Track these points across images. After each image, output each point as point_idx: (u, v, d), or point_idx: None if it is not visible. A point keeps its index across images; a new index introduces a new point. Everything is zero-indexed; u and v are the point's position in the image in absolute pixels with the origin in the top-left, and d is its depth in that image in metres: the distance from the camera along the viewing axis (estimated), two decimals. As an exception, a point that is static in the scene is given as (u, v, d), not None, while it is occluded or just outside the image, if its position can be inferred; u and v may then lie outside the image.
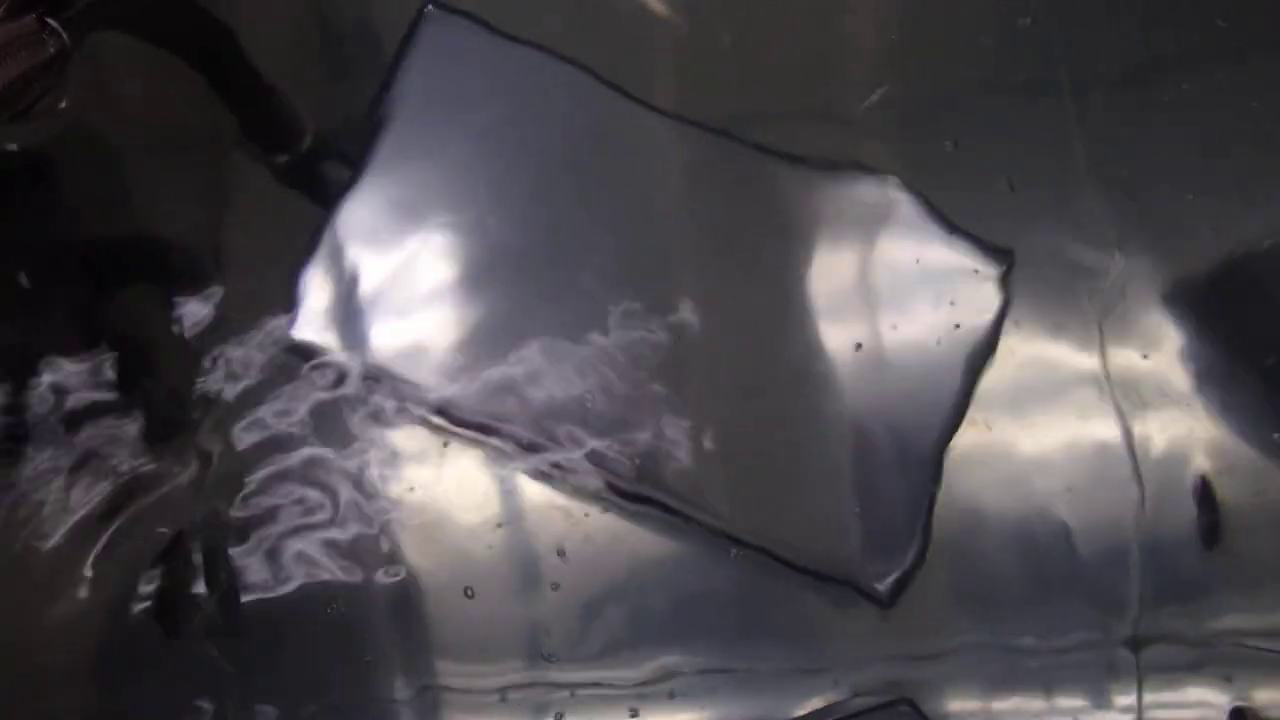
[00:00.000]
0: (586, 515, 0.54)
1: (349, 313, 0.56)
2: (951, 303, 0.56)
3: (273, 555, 0.54)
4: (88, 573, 0.53)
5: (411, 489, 0.55)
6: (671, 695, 0.53)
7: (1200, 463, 0.55)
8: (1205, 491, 0.54)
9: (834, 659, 0.53)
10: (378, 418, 0.55)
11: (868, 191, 0.57)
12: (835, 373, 0.55)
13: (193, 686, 0.53)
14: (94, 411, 0.55)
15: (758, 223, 0.57)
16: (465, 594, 0.54)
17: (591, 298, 0.55)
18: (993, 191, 0.57)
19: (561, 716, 0.53)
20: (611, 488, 0.54)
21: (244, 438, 0.55)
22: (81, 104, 0.57)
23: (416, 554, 0.54)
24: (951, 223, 0.56)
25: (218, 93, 0.53)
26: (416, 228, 0.56)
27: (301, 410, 0.55)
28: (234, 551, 0.54)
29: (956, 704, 0.53)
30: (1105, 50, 0.59)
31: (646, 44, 0.59)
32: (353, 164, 0.57)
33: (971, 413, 0.55)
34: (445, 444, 0.55)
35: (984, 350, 0.55)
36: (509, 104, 0.58)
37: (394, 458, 0.55)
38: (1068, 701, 0.53)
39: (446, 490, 0.55)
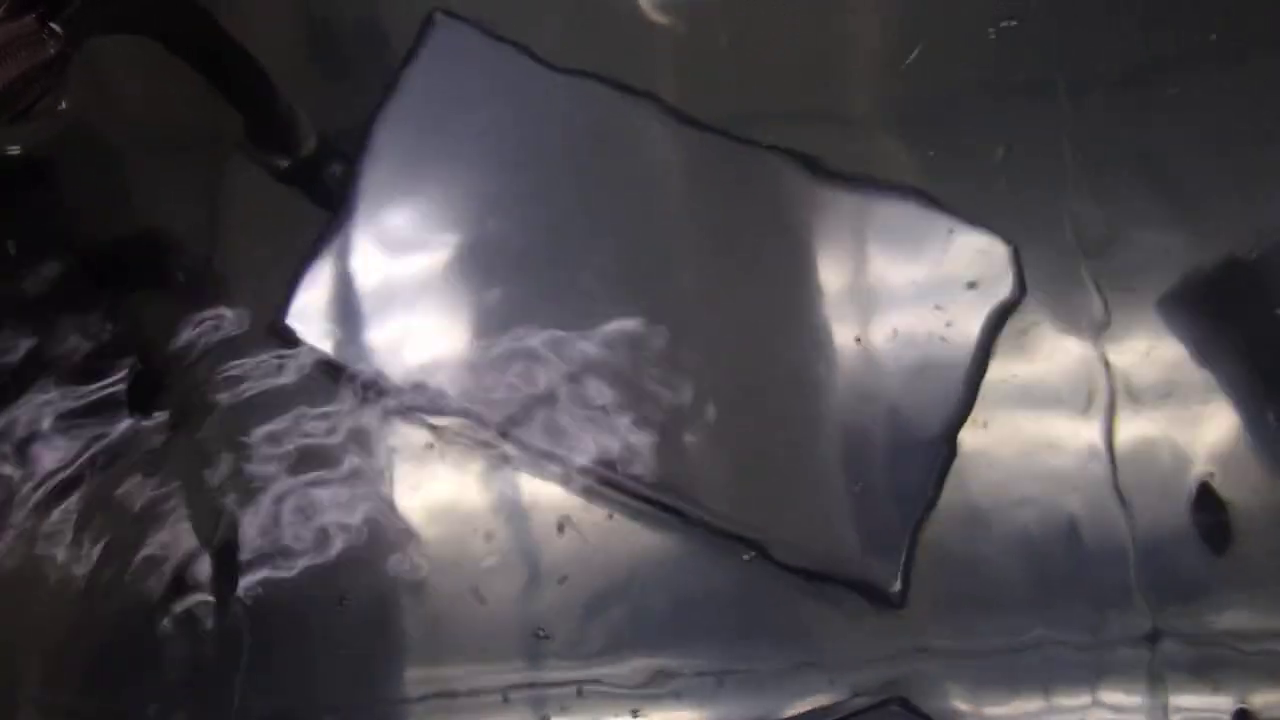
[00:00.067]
0: (587, 515, 0.54)
1: (349, 312, 0.56)
2: (951, 302, 0.56)
3: (274, 555, 0.54)
4: (88, 574, 0.53)
5: (411, 488, 0.55)
6: (671, 695, 0.53)
7: (1200, 462, 0.55)
8: (1205, 491, 0.54)
9: (833, 659, 0.53)
10: (378, 417, 0.55)
11: (867, 191, 0.57)
12: (835, 372, 0.55)
13: (192, 688, 0.53)
14: (94, 411, 0.55)
15: (758, 223, 0.57)
16: (465, 594, 0.54)
17: (592, 297, 0.55)
18: (992, 191, 0.57)
19: (562, 716, 0.53)
20: (612, 487, 0.54)
21: (244, 438, 0.55)
22: (81, 104, 0.57)
23: (417, 554, 0.54)
24: (951, 222, 0.56)
25: (218, 93, 0.53)
26: (416, 228, 0.57)
27: (302, 410, 0.55)
28: (235, 552, 0.54)
29: (956, 704, 0.53)
30: (1105, 50, 0.59)
31: (646, 44, 0.59)
32: (353, 164, 0.57)
33: (972, 412, 0.55)
34: (445, 444, 0.55)
35: (983, 350, 0.55)
36: (510, 105, 0.58)
37: (394, 458, 0.55)
38: (1067, 701, 0.53)
39: (446, 490, 0.55)
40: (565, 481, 0.54)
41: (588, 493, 0.54)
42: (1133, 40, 0.59)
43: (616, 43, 0.59)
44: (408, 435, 0.55)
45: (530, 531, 0.54)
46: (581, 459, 0.54)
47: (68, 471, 0.54)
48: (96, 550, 0.54)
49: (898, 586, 0.53)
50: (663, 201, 0.57)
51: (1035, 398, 0.55)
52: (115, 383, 0.55)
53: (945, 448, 0.54)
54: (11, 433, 0.54)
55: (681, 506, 0.54)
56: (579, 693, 0.53)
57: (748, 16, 0.59)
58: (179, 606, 0.53)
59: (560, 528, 0.54)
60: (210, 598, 0.54)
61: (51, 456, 0.54)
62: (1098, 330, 0.56)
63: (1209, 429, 0.55)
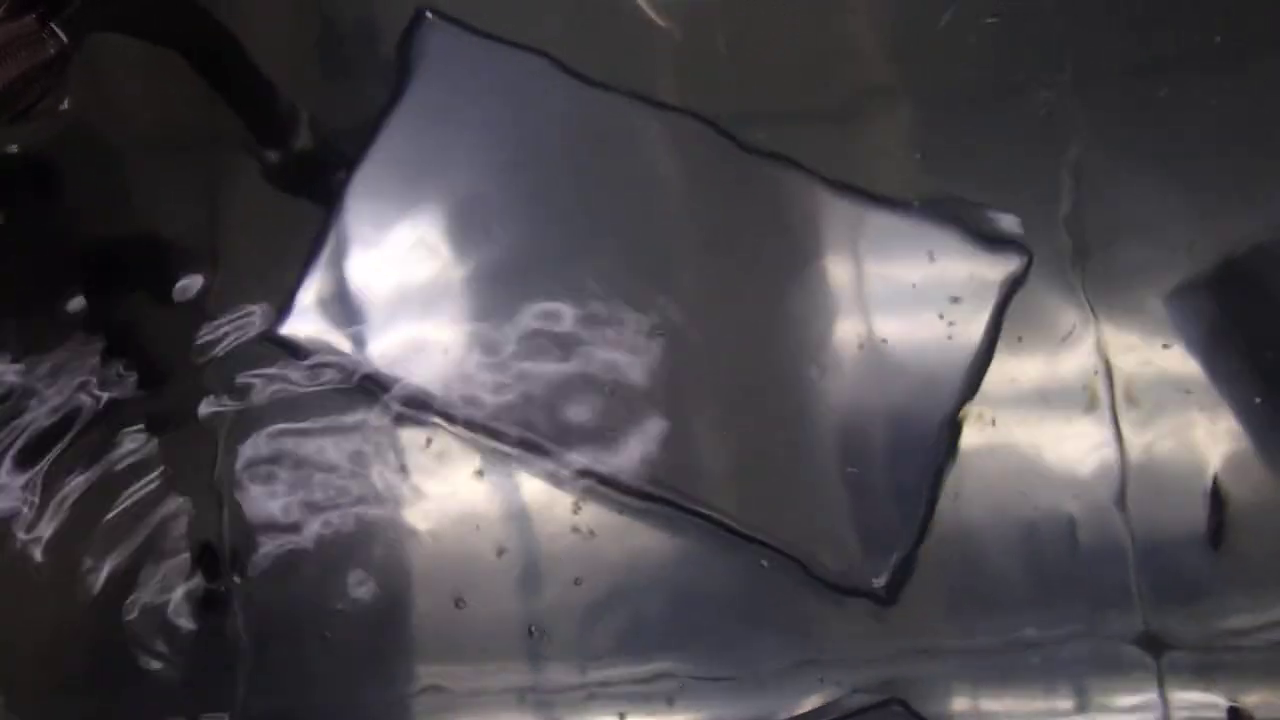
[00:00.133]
0: (588, 515, 0.54)
1: (348, 312, 0.56)
2: (951, 302, 0.56)
3: (274, 555, 0.54)
4: (87, 576, 0.53)
5: (411, 489, 0.55)
6: (671, 694, 0.53)
7: (1200, 461, 0.55)
8: (1204, 490, 0.54)
9: (833, 659, 0.53)
10: (378, 418, 0.55)
11: (867, 192, 0.57)
12: (835, 372, 0.55)
13: (192, 688, 0.53)
14: (94, 410, 0.55)
15: (758, 223, 0.57)
16: (465, 594, 0.54)
17: (592, 298, 0.55)
18: (992, 191, 0.57)
19: (562, 716, 0.53)
20: (613, 487, 0.54)
21: (244, 438, 0.55)
22: (81, 104, 0.57)
23: (417, 554, 0.54)
24: (951, 222, 0.56)
25: (218, 93, 0.53)
26: (416, 229, 0.57)
27: (302, 410, 0.55)
28: (240, 554, 0.54)
29: (956, 703, 0.53)
30: (1105, 50, 0.59)
31: (646, 45, 0.59)
32: (352, 164, 0.57)
33: (970, 412, 0.55)
34: (446, 443, 0.55)
35: (984, 349, 0.55)
36: (509, 105, 0.58)
37: (394, 458, 0.55)
38: (1067, 701, 0.53)
39: (447, 490, 0.55)
40: (566, 481, 0.54)
41: (588, 493, 0.54)
42: (1133, 40, 0.59)
43: (617, 43, 0.59)
44: (408, 435, 0.55)
45: (531, 531, 0.54)
46: (582, 459, 0.54)
47: (65, 473, 0.54)
48: (96, 550, 0.54)
49: (884, 582, 0.53)
50: (663, 201, 0.57)
51: (1036, 398, 0.55)
52: (115, 382, 0.55)
53: (944, 448, 0.54)
54: (10, 431, 0.54)
55: (682, 505, 0.54)
56: (579, 692, 0.53)
57: (747, 17, 0.59)
58: (179, 606, 0.53)
59: (560, 528, 0.54)
60: (210, 598, 0.54)
61: (50, 456, 0.54)
62: (1098, 331, 0.56)
63: (1209, 429, 0.55)
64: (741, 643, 0.54)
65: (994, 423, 0.55)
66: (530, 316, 0.55)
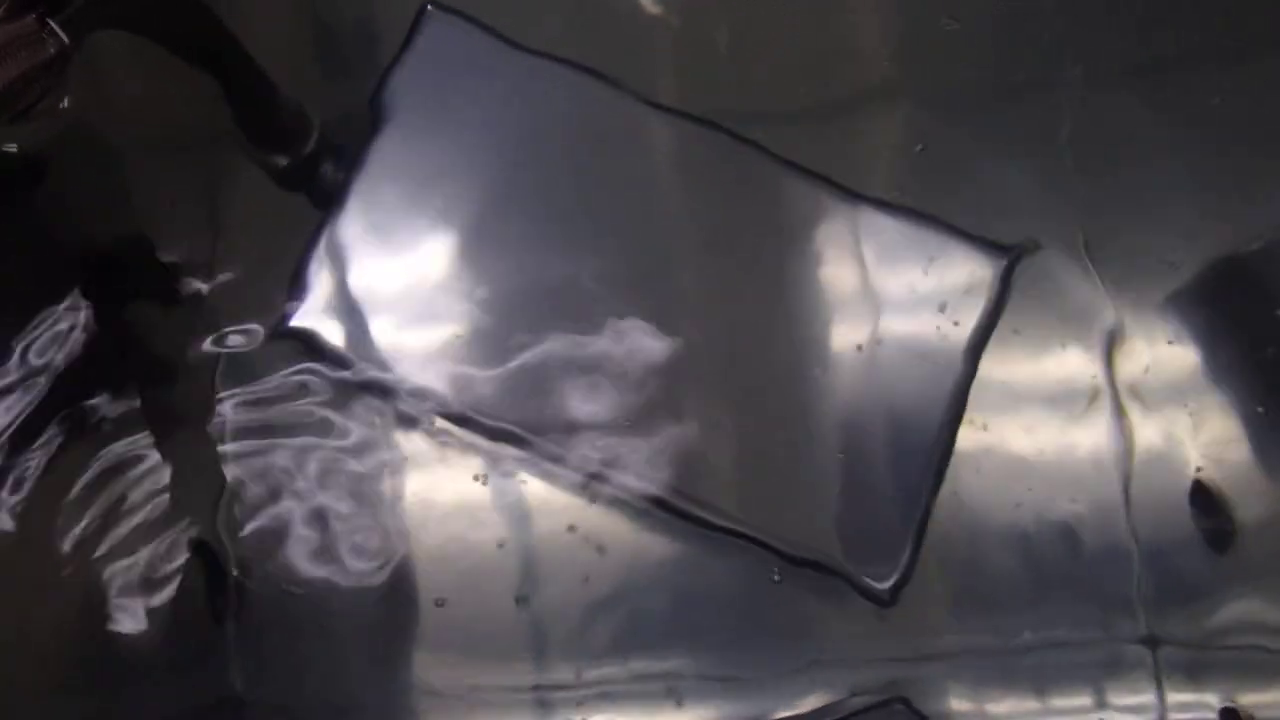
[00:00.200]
0: (588, 515, 0.54)
1: (348, 313, 0.56)
2: (950, 302, 0.56)
3: (274, 555, 0.54)
4: (86, 576, 0.53)
5: (411, 489, 0.55)
6: (672, 695, 0.53)
7: (1200, 461, 0.55)
8: (1206, 492, 0.54)
9: (833, 659, 0.53)
10: (378, 418, 0.55)
11: (867, 192, 0.57)
12: (834, 372, 0.55)
13: (192, 687, 0.53)
14: (94, 410, 0.55)
15: (758, 223, 0.57)
16: (465, 595, 0.54)
17: (592, 298, 0.55)
18: (991, 191, 0.57)
19: (562, 716, 0.53)
20: (613, 486, 0.54)
21: (244, 438, 0.55)
22: (81, 104, 0.57)
23: (417, 554, 0.54)
24: (950, 222, 0.56)
25: (218, 93, 0.53)
26: (416, 228, 0.57)
27: (302, 410, 0.55)
28: (238, 553, 0.54)
29: (955, 703, 0.53)
30: (1105, 50, 0.59)
31: (646, 44, 0.59)
32: (352, 164, 0.57)
33: (970, 412, 0.55)
34: (446, 444, 0.55)
35: (982, 349, 0.55)
36: (509, 104, 0.58)
37: (394, 458, 0.55)
38: (1067, 702, 0.53)
39: (447, 490, 0.55)
40: (566, 482, 0.54)
41: (588, 493, 0.54)
42: (1133, 40, 0.59)
43: (616, 42, 0.59)
44: (408, 435, 0.55)
45: (531, 532, 0.54)
46: (582, 459, 0.54)
47: (65, 474, 0.54)
48: (95, 550, 0.54)
49: (890, 584, 0.53)
50: (663, 201, 0.57)
51: (1036, 398, 0.55)
52: (114, 382, 0.55)
53: (943, 448, 0.54)
54: (10, 431, 0.54)
55: (682, 506, 0.54)
56: (578, 692, 0.53)
57: (747, 17, 0.59)
58: (179, 606, 0.53)
59: (560, 528, 0.54)
60: (210, 597, 0.54)
61: (49, 456, 0.54)
62: (1098, 330, 0.56)
63: (1210, 429, 0.55)
64: (742, 642, 0.54)
65: (993, 423, 0.55)
66: (530, 316, 0.55)
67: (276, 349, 0.55)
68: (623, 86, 0.58)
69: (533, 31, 0.58)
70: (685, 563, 0.54)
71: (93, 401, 0.55)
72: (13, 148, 0.55)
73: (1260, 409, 0.55)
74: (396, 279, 0.56)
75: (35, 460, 0.54)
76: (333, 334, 0.55)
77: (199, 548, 0.54)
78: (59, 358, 0.55)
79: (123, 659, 0.54)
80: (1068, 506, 0.54)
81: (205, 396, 0.55)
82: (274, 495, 0.54)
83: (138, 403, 0.55)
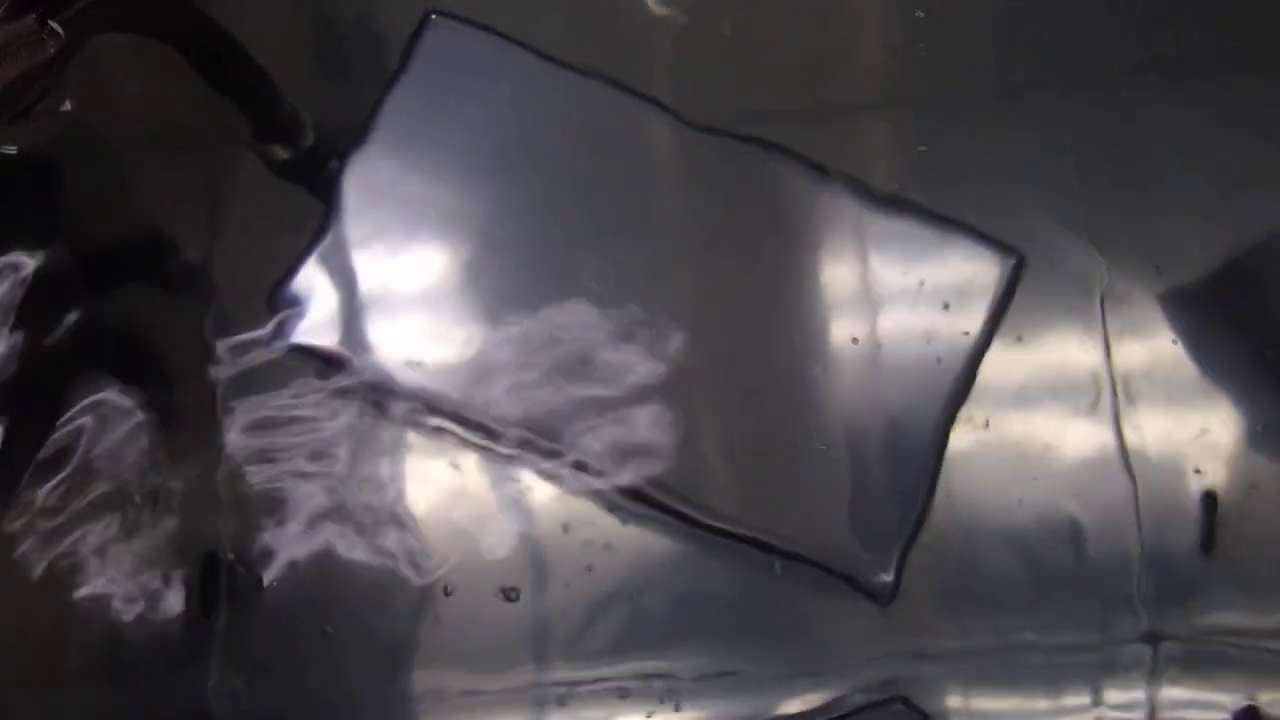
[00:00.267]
0: (587, 515, 0.54)
1: (348, 313, 0.56)
2: (950, 301, 0.56)
3: (273, 554, 0.54)
4: (85, 576, 0.53)
5: (410, 488, 0.55)
6: (672, 695, 0.53)
7: (1200, 461, 0.55)
8: (1206, 492, 0.54)
9: (833, 658, 0.53)
10: (378, 419, 0.55)
11: (868, 191, 0.57)
12: (834, 372, 0.55)
13: (192, 687, 0.53)
14: (94, 411, 0.55)
15: (758, 223, 0.57)
16: (464, 594, 0.54)
17: (592, 298, 0.55)
18: (992, 191, 0.57)
19: (562, 716, 0.53)
20: (613, 487, 0.54)
21: (245, 438, 0.55)
22: (81, 104, 0.57)
23: (417, 554, 0.54)
24: (950, 222, 0.56)
25: (218, 93, 0.53)
26: (416, 228, 0.57)
27: (303, 411, 0.55)
28: (240, 553, 0.54)
29: (955, 703, 0.53)
30: (1105, 50, 0.59)
31: (646, 44, 0.59)
32: (352, 164, 0.57)
33: (969, 411, 0.55)
34: (445, 444, 0.55)
35: (982, 348, 0.55)
36: (509, 105, 0.58)
37: (394, 458, 0.55)
38: (1066, 701, 0.53)
39: (446, 490, 0.55)
40: (565, 482, 0.54)
41: (588, 493, 0.54)
42: (1133, 40, 0.59)
43: (616, 42, 0.59)
44: (407, 435, 0.55)
45: (530, 532, 0.54)
46: (582, 459, 0.54)
47: (66, 474, 0.54)
48: (94, 550, 0.54)
49: (887, 581, 0.53)
50: (663, 201, 0.57)
51: (1035, 398, 0.55)
52: (114, 382, 0.55)
53: (943, 447, 0.54)
54: (9, 431, 0.54)
55: (681, 506, 0.54)
56: (578, 691, 0.53)
57: (747, 16, 0.59)
58: (179, 605, 0.53)
59: (561, 528, 0.54)
60: (209, 597, 0.54)
61: (47, 455, 0.54)
62: (1098, 330, 0.56)
63: (1211, 429, 0.55)
64: (741, 642, 0.54)
65: (993, 422, 0.55)
66: (529, 316, 0.55)
67: (276, 349, 0.55)
68: (623, 86, 0.58)
69: (533, 31, 0.58)
70: (685, 562, 0.54)
71: (93, 401, 0.55)
72: (12, 150, 0.55)
73: (1261, 409, 0.55)
74: (396, 279, 0.56)
75: (32, 459, 0.54)
76: (332, 334, 0.55)
77: (198, 548, 0.54)
78: (58, 358, 0.55)
79: (123, 659, 0.54)
80: (1068, 506, 0.54)
81: (205, 396, 0.55)
82: (273, 495, 0.54)
83: (137, 403, 0.55)
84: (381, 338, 0.55)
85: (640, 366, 0.55)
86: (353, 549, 0.54)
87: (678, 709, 0.53)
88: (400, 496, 0.55)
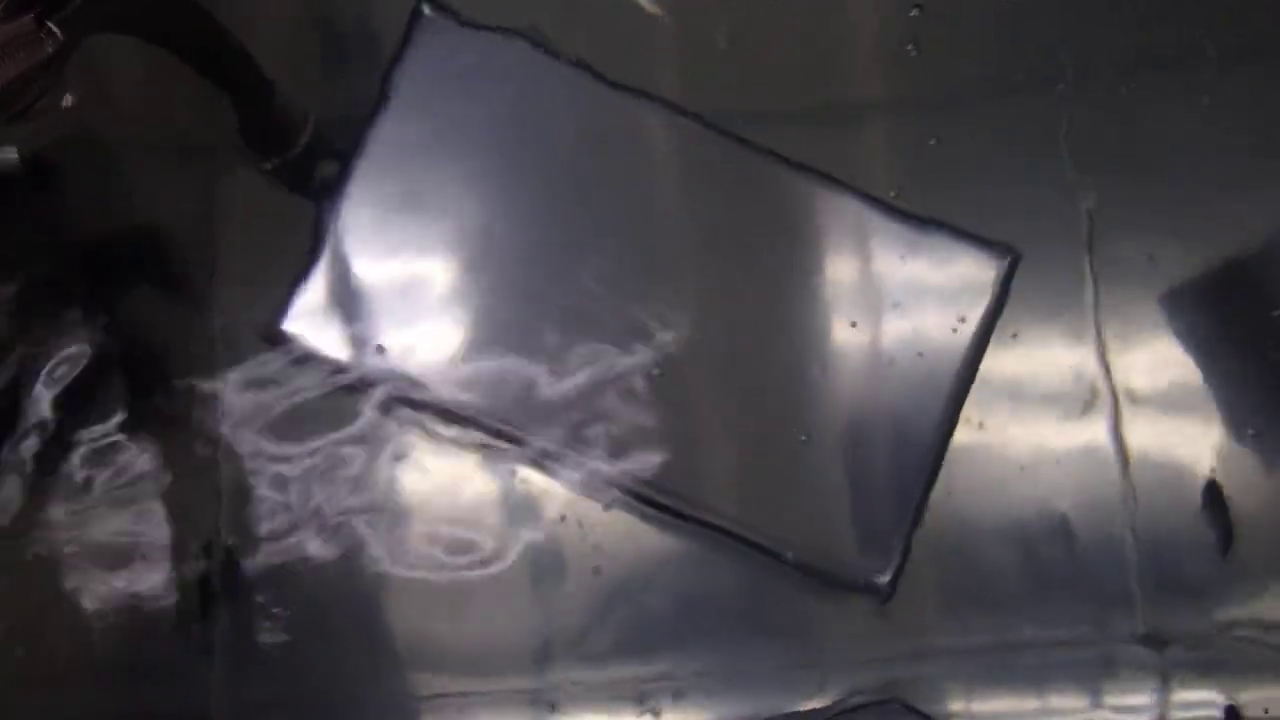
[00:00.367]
0: (587, 515, 0.54)
1: (348, 312, 0.56)
2: (949, 302, 0.56)
3: (273, 553, 0.54)
4: (84, 575, 0.53)
5: (411, 487, 0.55)
6: (672, 694, 0.53)
7: (1197, 460, 0.55)
8: (1204, 491, 0.54)
9: (832, 658, 0.53)
10: (378, 417, 0.55)
11: (867, 192, 0.57)
12: (833, 372, 0.55)
13: (192, 686, 0.54)
14: (92, 409, 0.55)
15: (758, 223, 0.57)
16: (465, 594, 0.54)
17: (592, 297, 0.55)
18: (991, 191, 0.57)
19: (562, 716, 0.53)
20: (613, 487, 0.54)
21: (245, 438, 0.55)
22: (81, 104, 0.57)
23: (418, 554, 0.54)
24: (950, 222, 0.56)
25: (218, 92, 0.53)
26: (415, 228, 0.56)
27: (303, 410, 0.55)
28: (240, 553, 0.54)
29: (953, 703, 0.53)
30: (1105, 49, 0.58)
31: (644, 44, 0.59)
32: (351, 164, 0.57)
33: (967, 411, 0.55)
34: (445, 443, 0.55)
35: (981, 349, 0.55)
36: (508, 103, 0.58)
37: (394, 457, 0.55)
38: (1066, 701, 0.53)
39: (447, 490, 0.55)
40: (566, 481, 0.54)
41: (588, 492, 0.54)
42: (1133, 40, 0.59)
43: (616, 42, 0.59)
44: (408, 434, 0.55)
45: (530, 531, 0.54)
46: (582, 459, 0.54)
47: (66, 474, 0.54)
48: (94, 549, 0.54)
49: (887, 579, 0.53)
50: (663, 201, 0.57)
51: (1034, 398, 0.55)
52: (114, 382, 0.55)
53: (942, 447, 0.54)
54: (9, 430, 0.54)
55: (681, 506, 0.54)
56: (578, 691, 0.53)
57: (747, 16, 0.59)
58: (179, 604, 0.54)
59: (561, 528, 0.54)
60: (210, 597, 0.54)
61: (46, 455, 0.54)
62: (1097, 330, 0.56)
63: (1208, 428, 0.55)
64: (740, 641, 0.54)
65: (991, 422, 0.55)
66: (529, 315, 0.55)
67: (274, 349, 0.55)
68: (623, 87, 0.58)
69: (531, 33, 0.58)
70: (685, 562, 0.54)
71: (92, 401, 0.55)
72: (13, 153, 0.55)
73: (1259, 409, 0.55)
74: (396, 279, 0.56)
75: (31, 459, 0.54)
76: (331, 334, 0.55)
77: (198, 548, 0.54)
78: (58, 358, 0.55)
79: (123, 659, 0.54)
80: (1066, 505, 0.54)
81: (205, 396, 0.55)
82: (272, 494, 0.54)
83: (137, 403, 0.55)
84: (381, 336, 0.55)
85: (640, 366, 0.55)
86: (352, 548, 0.54)
87: (677, 708, 0.53)
88: (400, 496, 0.55)
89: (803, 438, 0.54)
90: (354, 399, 0.55)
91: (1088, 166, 0.57)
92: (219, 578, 0.54)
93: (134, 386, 0.55)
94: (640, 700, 0.53)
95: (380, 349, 0.55)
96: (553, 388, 0.54)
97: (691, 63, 0.59)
